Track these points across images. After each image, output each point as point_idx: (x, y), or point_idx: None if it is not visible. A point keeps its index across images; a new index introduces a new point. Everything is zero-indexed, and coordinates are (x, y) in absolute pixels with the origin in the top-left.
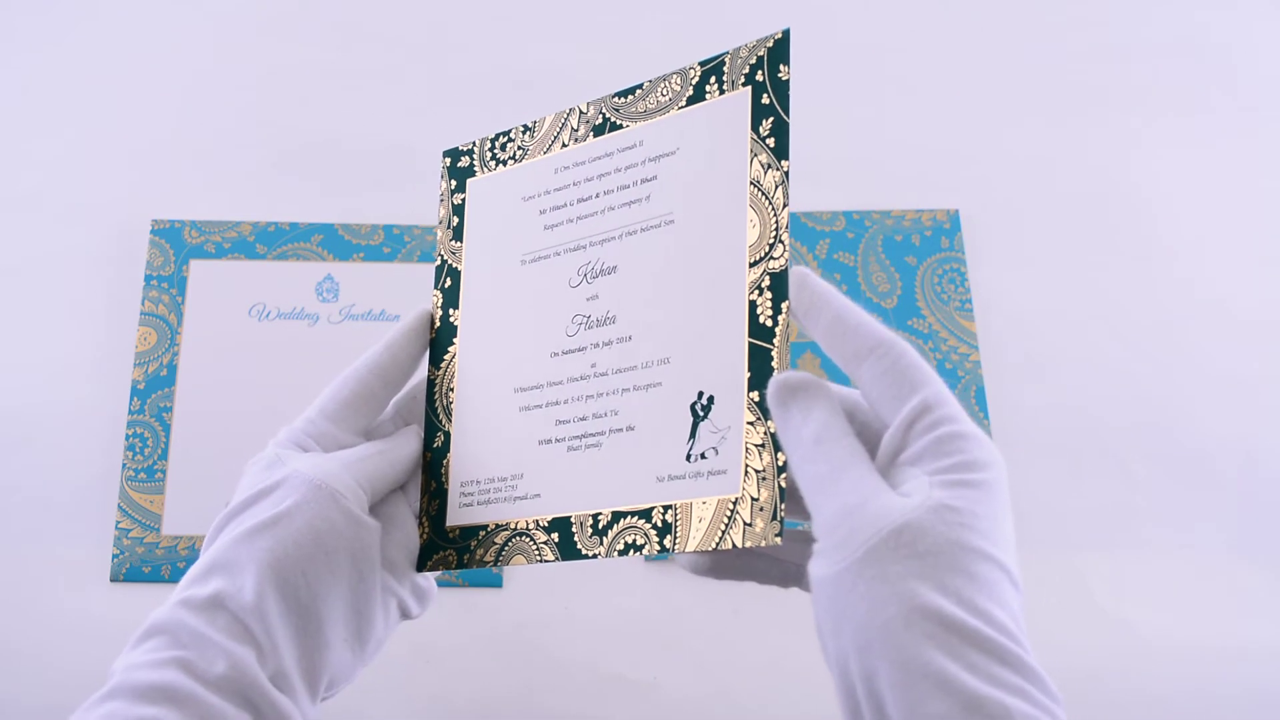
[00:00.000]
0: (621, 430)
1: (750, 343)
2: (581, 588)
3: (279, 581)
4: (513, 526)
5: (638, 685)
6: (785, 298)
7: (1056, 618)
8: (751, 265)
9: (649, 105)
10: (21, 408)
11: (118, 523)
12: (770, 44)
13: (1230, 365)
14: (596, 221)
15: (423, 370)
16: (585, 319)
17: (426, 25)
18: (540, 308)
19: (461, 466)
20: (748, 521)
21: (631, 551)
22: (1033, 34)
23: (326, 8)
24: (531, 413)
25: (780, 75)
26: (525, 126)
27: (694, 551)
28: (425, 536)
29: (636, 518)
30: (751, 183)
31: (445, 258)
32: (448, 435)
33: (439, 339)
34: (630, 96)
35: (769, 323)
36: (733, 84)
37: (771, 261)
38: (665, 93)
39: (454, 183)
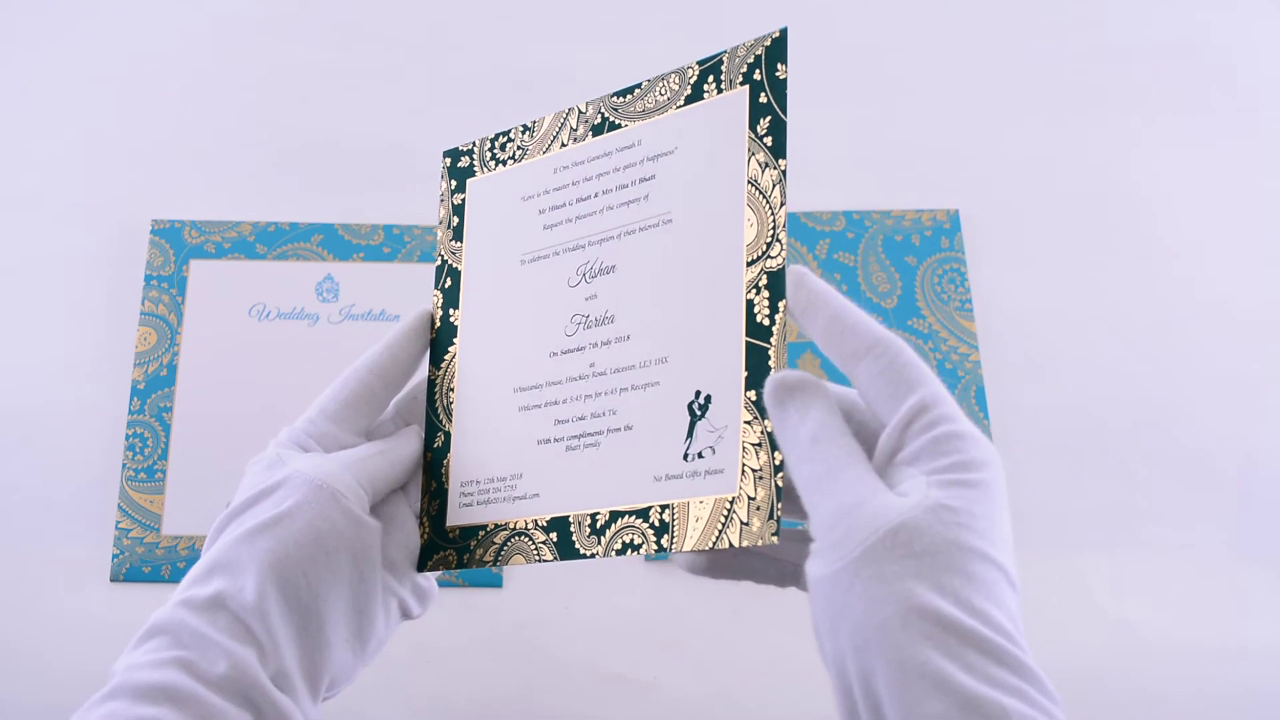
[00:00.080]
0: (620, 430)
1: (747, 342)
2: (581, 588)
3: (280, 581)
4: (512, 526)
5: (638, 685)
6: (782, 297)
7: (1056, 618)
8: (749, 264)
9: (647, 105)
10: (21, 408)
11: (118, 523)
12: (768, 43)
13: (1230, 365)
14: (595, 221)
15: (423, 370)
16: (584, 319)
17: (426, 25)
18: (539, 307)
19: (461, 466)
20: (745, 521)
21: (629, 551)
22: (1033, 34)
23: (326, 8)
24: (531, 412)
25: (778, 74)
26: (525, 126)
27: (691, 551)
28: (426, 536)
29: (634, 517)
30: (749, 182)
31: (445, 258)
32: (448, 435)
33: (439, 339)
34: (629, 96)
35: (766, 322)
36: (730, 83)
37: (769, 260)
38: (664, 92)
39: (454, 183)
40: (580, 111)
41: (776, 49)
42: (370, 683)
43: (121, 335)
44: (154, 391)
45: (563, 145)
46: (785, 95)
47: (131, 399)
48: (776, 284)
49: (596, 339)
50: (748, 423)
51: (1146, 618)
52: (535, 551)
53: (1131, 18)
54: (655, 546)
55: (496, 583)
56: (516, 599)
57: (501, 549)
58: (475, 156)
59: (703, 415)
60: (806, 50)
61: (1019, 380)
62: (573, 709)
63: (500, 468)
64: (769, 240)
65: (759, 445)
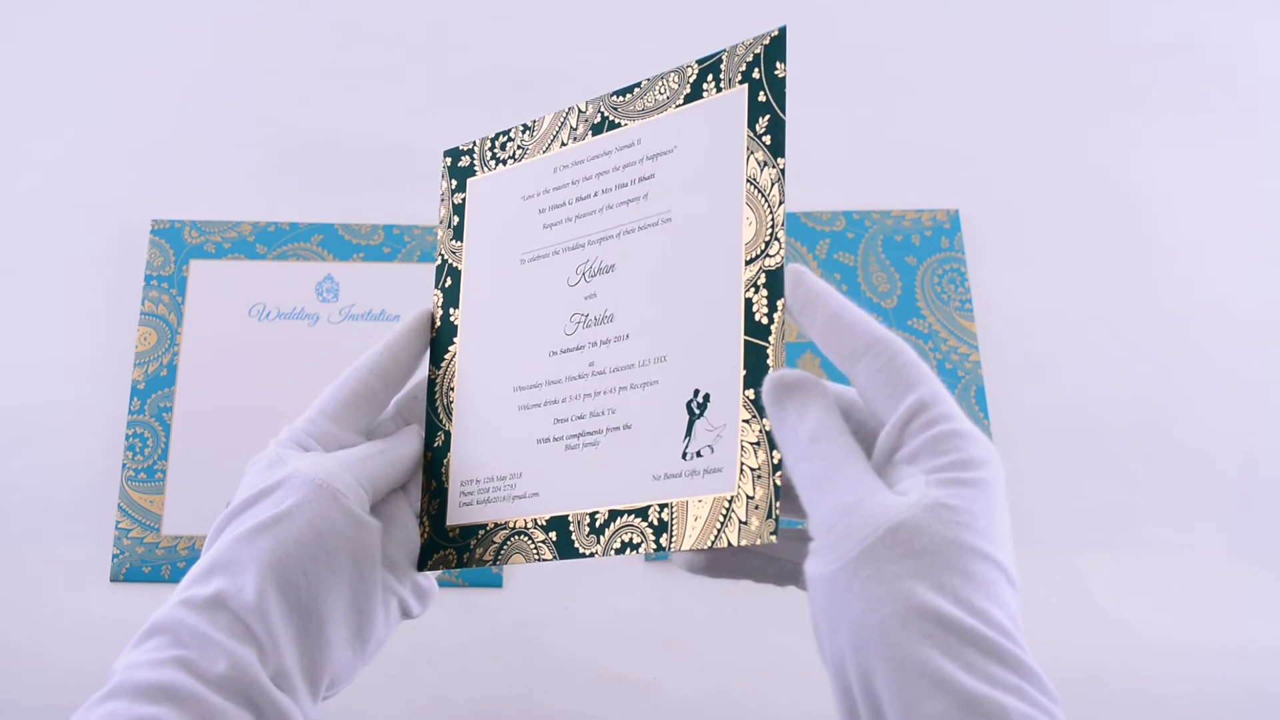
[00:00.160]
0: (619, 429)
1: (746, 340)
2: (581, 587)
3: (280, 581)
4: (511, 525)
5: (638, 685)
6: (781, 295)
7: (1056, 618)
8: (747, 263)
9: (647, 104)
10: (21, 408)
11: (118, 523)
12: (767, 41)
13: (1230, 365)
14: (595, 220)
15: (424, 369)
16: (583, 317)
17: (426, 25)
18: (539, 307)
19: (461, 466)
20: (743, 520)
21: (628, 550)
22: (1033, 34)
23: (326, 8)
24: (530, 411)
25: (776, 72)
26: (525, 126)
27: (690, 550)
28: (426, 536)
29: (633, 516)
30: (748, 180)
31: (446, 257)
32: (448, 434)
33: (439, 338)
34: (628, 95)
35: (765, 320)
36: (729, 82)
37: (767, 259)
38: (663, 91)
39: (454, 182)
40: (580, 111)
41: (775, 48)
42: (370, 683)
43: (121, 335)
44: (154, 391)
45: (562, 144)
46: (784, 94)
47: (131, 399)
48: (775, 283)
49: (596, 338)
50: (746, 421)
51: (1146, 618)
52: (535, 550)
53: (1131, 18)
54: (654, 545)
55: (496, 583)
56: (516, 599)
57: (501, 548)
58: (475, 156)
59: (701, 414)
60: (806, 50)
61: (1019, 380)
62: (573, 709)
63: (500, 467)
64: (767, 239)
65: (758, 444)
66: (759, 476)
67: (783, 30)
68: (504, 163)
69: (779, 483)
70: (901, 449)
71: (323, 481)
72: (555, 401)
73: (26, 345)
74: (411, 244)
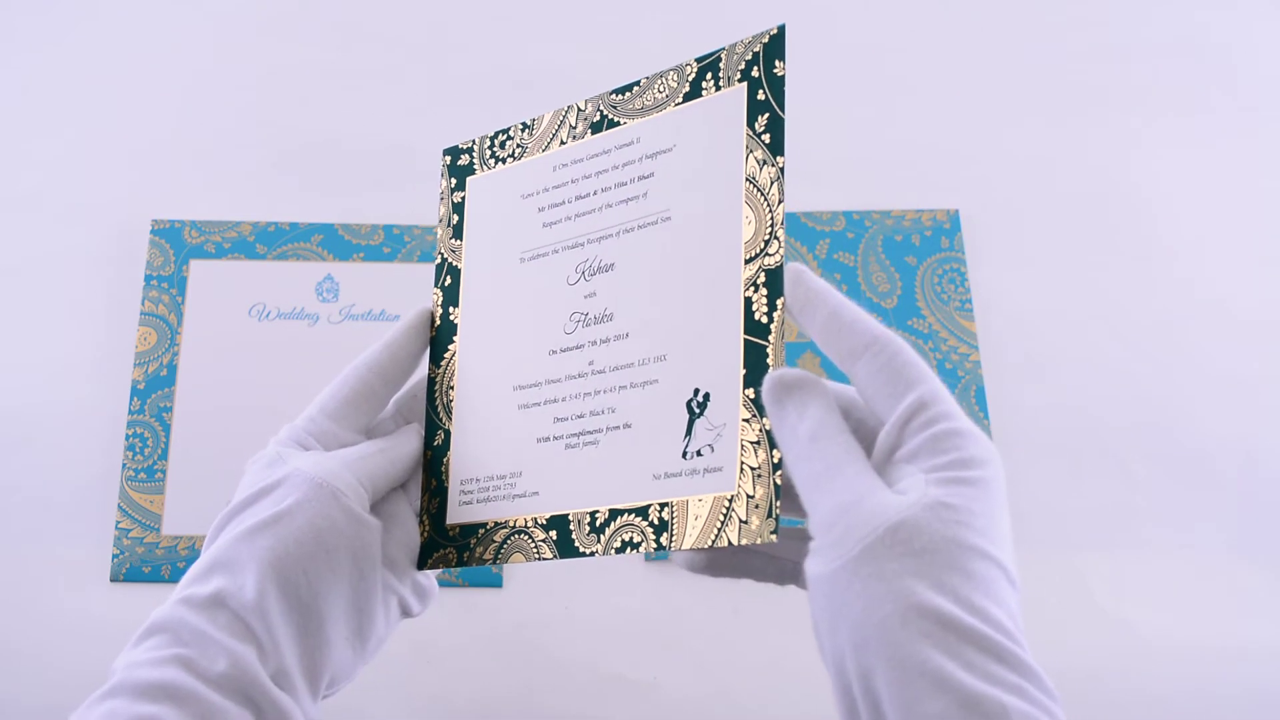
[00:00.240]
0: (618, 428)
1: (746, 339)
2: (581, 587)
3: (280, 580)
4: (511, 524)
5: (638, 685)
6: (781, 294)
7: (1056, 618)
8: (747, 262)
9: (646, 102)
10: (21, 408)
11: (118, 523)
12: (765, 40)
13: (1230, 365)
14: (594, 219)
15: (423, 368)
16: (583, 316)
17: (426, 25)
18: (539, 305)
19: (461, 464)
20: (743, 519)
21: (629, 549)
22: (1033, 34)
23: (326, 8)
24: (530, 410)
25: (776, 71)
26: (524, 124)
27: (690, 549)
28: (426, 534)
29: (633, 515)
30: (747, 179)
31: (445, 256)
32: (448, 433)
33: (439, 337)
34: (628, 94)
35: (764, 319)
36: (729, 80)
37: (767, 258)
38: (662, 89)
39: (454, 181)
40: (579, 109)
41: (774, 46)
42: (370, 682)
43: (121, 335)
44: (154, 391)
45: (562, 143)
46: (783, 92)
47: (131, 399)
48: (775, 281)
49: (595, 337)
50: (746, 421)
51: (1146, 618)
52: (535, 549)
53: (1131, 18)
54: (654, 544)
55: (496, 582)
56: (516, 599)
57: (501, 547)
58: (475, 154)
59: (701, 413)
60: (806, 50)
61: (1019, 380)
62: (573, 709)
63: (500, 466)
64: (767, 238)
65: (757, 443)
66: (759, 476)
67: (782, 28)
68: (503, 161)
69: (779, 482)
70: (901, 448)
71: (323, 480)
72: (555, 400)
73: (26, 345)
74: (411, 244)
